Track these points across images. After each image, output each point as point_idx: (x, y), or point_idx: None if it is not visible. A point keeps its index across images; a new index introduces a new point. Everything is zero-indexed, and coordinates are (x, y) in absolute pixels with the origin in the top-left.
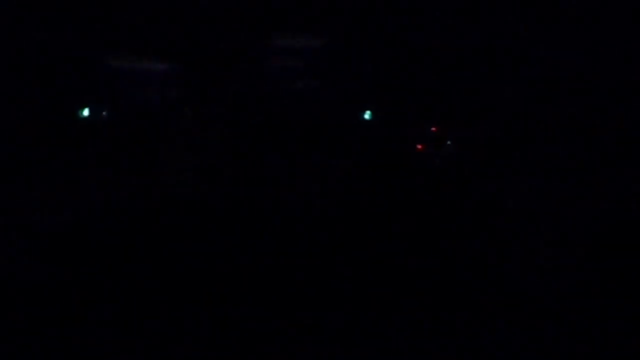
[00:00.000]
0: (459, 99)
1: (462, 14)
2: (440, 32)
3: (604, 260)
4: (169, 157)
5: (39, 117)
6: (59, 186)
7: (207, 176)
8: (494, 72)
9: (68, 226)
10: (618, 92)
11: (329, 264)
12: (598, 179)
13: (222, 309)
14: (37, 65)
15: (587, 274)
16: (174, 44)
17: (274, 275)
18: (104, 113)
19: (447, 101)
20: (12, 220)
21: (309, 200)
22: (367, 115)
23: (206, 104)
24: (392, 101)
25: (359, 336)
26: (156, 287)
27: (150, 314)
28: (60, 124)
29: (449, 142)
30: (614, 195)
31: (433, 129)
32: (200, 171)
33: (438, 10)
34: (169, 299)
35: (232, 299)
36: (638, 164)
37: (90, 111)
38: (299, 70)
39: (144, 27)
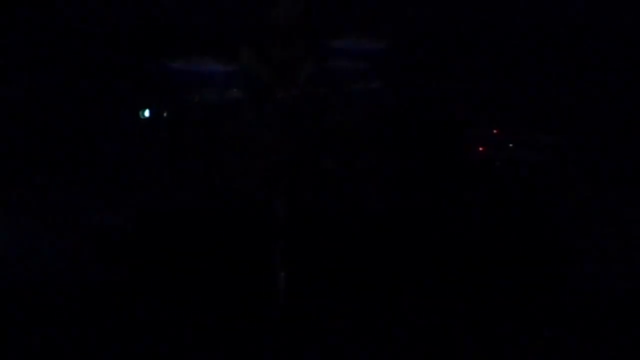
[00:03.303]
0: (521, 101)
1: (523, 15)
2: (505, 34)
3: None
4: (229, 158)
5: (101, 118)
6: (120, 186)
7: (267, 177)
8: (557, 76)
9: (128, 226)
10: None
11: (388, 265)
12: None
13: (281, 304)
14: (99, 67)
15: None
16: (235, 46)
17: (330, 273)
18: (164, 114)
19: (510, 104)
20: (74, 221)
21: (369, 202)
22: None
23: (267, 106)
24: (455, 103)
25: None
26: (215, 286)
27: (208, 314)
28: (122, 125)
29: (510, 145)
30: None
31: (495, 131)
32: (259, 172)
33: (500, 12)
34: (228, 298)
35: (290, 296)
36: None
37: (151, 112)
38: (362, 73)
39: (205, 29)
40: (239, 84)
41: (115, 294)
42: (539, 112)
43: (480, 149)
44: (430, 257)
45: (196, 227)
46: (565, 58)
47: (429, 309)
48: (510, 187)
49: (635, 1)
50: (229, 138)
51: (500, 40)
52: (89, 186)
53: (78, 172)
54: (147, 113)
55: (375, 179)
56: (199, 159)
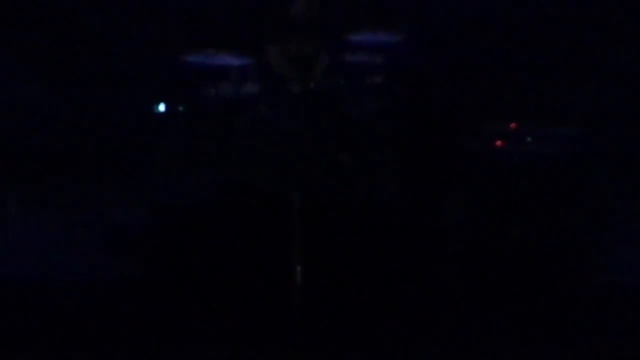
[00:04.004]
0: (539, 95)
1: (542, 11)
2: (521, 25)
3: None
4: (245, 152)
5: (116, 113)
6: (135, 182)
7: (283, 171)
8: (574, 69)
9: (145, 221)
10: None
11: (406, 259)
12: None
13: (298, 298)
14: (114, 62)
15: None
16: (249, 40)
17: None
18: (179, 108)
19: (528, 98)
20: (91, 216)
21: (384, 196)
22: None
23: (283, 100)
24: (472, 97)
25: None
26: (232, 281)
27: (225, 308)
28: (137, 120)
29: (529, 139)
30: None
31: (513, 125)
32: (276, 166)
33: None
34: (244, 293)
35: (307, 290)
36: None
37: (167, 106)
38: (376, 67)
39: (220, 24)
40: (255, 78)
41: (131, 288)
42: (557, 105)
43: (498, 143)
44: (448, 251)
45: (213, 221)
46: (584, 50)
47: (447, 302)
48: (529, 181)
49: None
50: (245, 132)
51: (518, 31)
52: (105, 182)
53: (94, 167)
54: (162, 107)
55: (392, 173)
56: (215, 153)
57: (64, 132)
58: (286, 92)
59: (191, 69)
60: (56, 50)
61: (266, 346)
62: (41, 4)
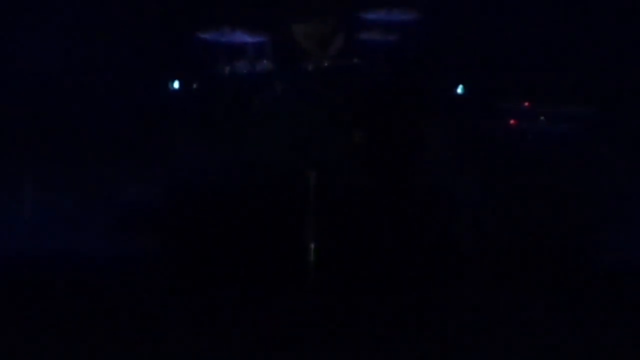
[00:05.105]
0: (552, 74)
1: None
2: (538, 4)
3: None
4: (258, 129)
5: (129, 90)
6: (147, 159)
7: (297, 149)
8: (590, 47)
9: (158, 200)
10: None
11: (420, 239)
12: None
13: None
14: (127, 39)
15: None
16: (265, 17)
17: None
18: (194, 86)
19: (541, 76)
20: (102, 195)
21: (398, 174)
22: (459, 89)
23: (298, 78)
24: (486, 75)
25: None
26: (244, 259)
27: (237, 285)
28: (151, 97)
29: (542, 118)
30: None
31: (526, 104)
32: (290, 144)
33: None
34: (257, 270)
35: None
36: None
37: (181, 84)
38: (391, 45)
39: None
40: (270, 56)
41: (146, 263)
42: (572, 84)
43: (512, 121)
44: (462, 231)
45: (226, 198)
46: (600, 29)
47: (463, 281)
48: (542, 161)
49: None
50: (260, 109)
51: (534, 10)
52: (118, 159)
53: (107, 145)
54: (176, 85)
55: (407, 151)
56: (229, 131)
57: (77, 109)
58: (301, 70)
59: (206, 46)
60: (70, 29)
61: (279, 323)
62: None
